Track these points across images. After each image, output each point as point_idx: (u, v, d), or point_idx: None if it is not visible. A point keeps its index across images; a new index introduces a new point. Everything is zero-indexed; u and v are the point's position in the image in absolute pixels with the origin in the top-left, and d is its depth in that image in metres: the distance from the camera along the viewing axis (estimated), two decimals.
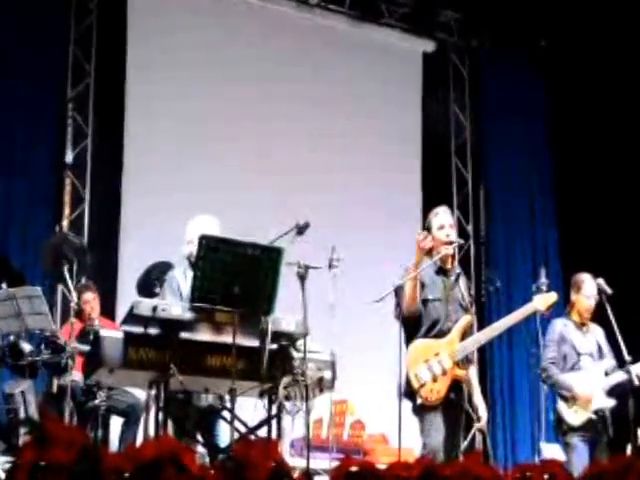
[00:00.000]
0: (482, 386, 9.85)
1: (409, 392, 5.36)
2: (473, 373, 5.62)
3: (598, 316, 6.63)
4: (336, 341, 5.87)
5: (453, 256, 5.77)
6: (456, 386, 5.41)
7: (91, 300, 7.26)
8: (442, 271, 5.63)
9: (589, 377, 6.40)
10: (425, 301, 5.51)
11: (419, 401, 5.31)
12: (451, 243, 5.56)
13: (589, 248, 9.69)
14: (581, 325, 6.59)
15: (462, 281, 5.74)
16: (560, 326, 6.59)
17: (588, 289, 6.52)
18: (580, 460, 6.07)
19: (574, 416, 6.32)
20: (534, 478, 3.16)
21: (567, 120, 10.59)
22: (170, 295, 5.24)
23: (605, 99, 10.14)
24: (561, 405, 6.40)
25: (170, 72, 9.21)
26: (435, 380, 5.34)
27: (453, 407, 5.40)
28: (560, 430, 6.42)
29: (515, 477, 3.16)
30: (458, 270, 5.77)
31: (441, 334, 5.47)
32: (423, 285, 5.47)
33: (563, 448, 6.47)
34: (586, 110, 10.27)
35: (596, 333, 6.60)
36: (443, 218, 5.64)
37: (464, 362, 5.48)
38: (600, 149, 10.18)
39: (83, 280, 7.38)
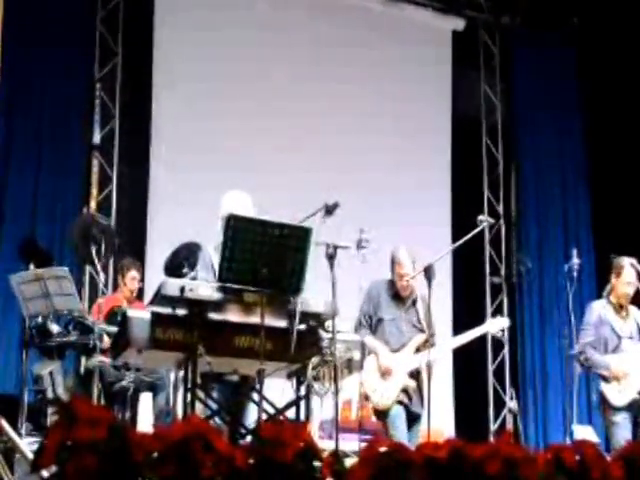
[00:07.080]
0: (514, 367, 9.89)
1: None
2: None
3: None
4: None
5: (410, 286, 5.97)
6: (408, 394, 5.78)
7: (136, 279, 7.34)
8: (398, 297, 5.93)
9: (629, 357, 6.33)
10: (380, 320, 5.85)
11: (370, 405, 5.83)
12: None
13: (622, 228, 9.58)
14: (620, 308, 6.48)
15: (420, 305, 5.96)
16: (599, 309, 6.50)
17: (627, 276, 6.39)
18: (624, 437, 6.04)
19: (619, 396, 6.27)
20: (566, 459, 3.11)
21: (599, 99, 10.43)
22: (203, 271, 5.23)
23: (638, 77, 9.99)
24: (604, 386, 6.34)
25: (197, 52, 9.17)
26: (385, 388, 5.71)
27: (407, 412, 5.77)
28: (604, 410, 6.37)
29: (547, 458, 3.10)
30: (415, 295, 5.98)
31: (395, 350, 5.80)
32: (378, 305, 5.88)
33: (606, 426, 6.43)
34: (619, 89, 10.12)
35: (636, 315, 6.50)
36: (405, 266, 5.88)
37: (414, 374, 5.78)
38: (634, 127, 10.03)
39: (110, 260, 7.42)
